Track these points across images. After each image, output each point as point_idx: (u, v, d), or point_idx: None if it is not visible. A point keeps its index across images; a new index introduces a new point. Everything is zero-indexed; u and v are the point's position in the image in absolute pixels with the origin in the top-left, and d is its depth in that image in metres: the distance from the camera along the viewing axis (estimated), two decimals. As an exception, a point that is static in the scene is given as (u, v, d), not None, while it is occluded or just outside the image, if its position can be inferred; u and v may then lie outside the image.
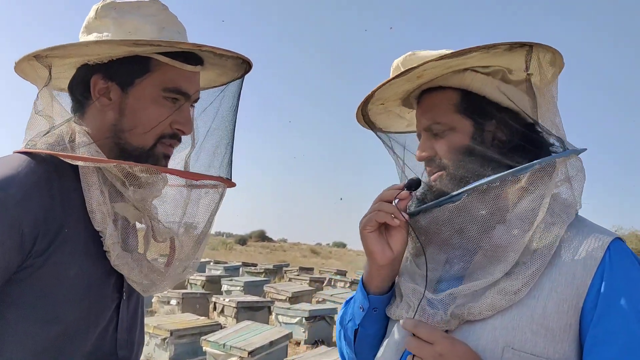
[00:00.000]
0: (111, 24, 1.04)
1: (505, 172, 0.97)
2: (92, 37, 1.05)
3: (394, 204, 1.09)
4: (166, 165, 1.09)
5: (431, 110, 1.10)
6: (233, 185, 1.16)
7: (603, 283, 0.92)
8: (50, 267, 0.94)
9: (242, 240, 46.62)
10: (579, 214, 1.04)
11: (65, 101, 1.11)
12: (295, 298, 9.46)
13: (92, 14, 1.07)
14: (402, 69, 1.06)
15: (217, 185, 1.14)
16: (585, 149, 1.03)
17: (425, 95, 1.13)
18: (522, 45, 1.01)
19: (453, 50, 1.00)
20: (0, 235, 0.89)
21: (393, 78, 1.04)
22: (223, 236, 51.79)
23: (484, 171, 1.01)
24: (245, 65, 1.16)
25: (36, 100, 1.06)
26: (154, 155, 1.05)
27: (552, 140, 1.03)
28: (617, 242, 0.97)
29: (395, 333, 1.09)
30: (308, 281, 13.42)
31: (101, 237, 1.01)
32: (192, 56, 1.07)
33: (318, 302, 9.94)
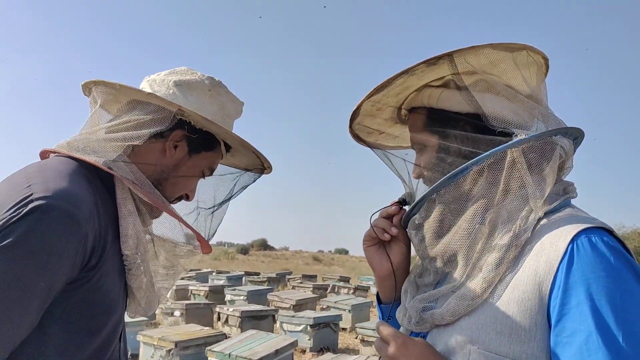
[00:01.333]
0: (216, 104, 1.22)
1: (439, 182, 1.01)
2: (192, 99, 1.18)
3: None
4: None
5: (411, 129, 1.18)
6: (209, 252, 1.30)
7: (563, 279, 0.87)
8: (96, 281, 0.99)
9: (244, 250, 46.50)
10: (572, 203, 1.02)
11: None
12: (299, 306, 9.43)
13: (205, 82, 1.21)
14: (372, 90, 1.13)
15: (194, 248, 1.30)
16: (532, 136, 0.97)
17: (410, 114, 1.20)
18: (441, 56, 1.02)
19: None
20: (72, 251, 0.91)
21: (366, 97, 1.13)
22: (225, 246, 51.76)
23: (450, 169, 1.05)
24: (262, 169, 1.36)
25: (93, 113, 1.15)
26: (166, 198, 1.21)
27: (513, 129, 1.00)
28: (587, 233, 0.89)
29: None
30: (311, 288, 13.38)
31: (124, 256, 1.08)
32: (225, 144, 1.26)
33: (322, 309, 9.91)
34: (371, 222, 1.20)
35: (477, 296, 0.94)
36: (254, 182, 1.38)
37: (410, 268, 1.22)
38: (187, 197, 1.25)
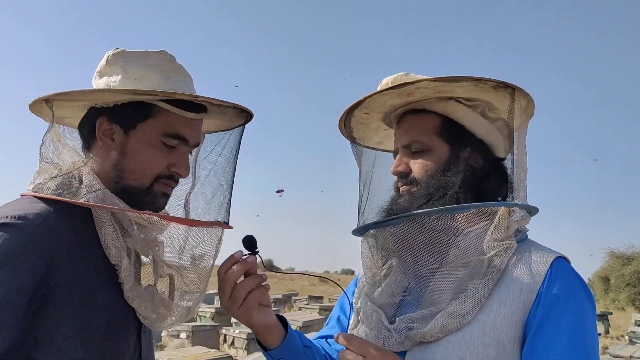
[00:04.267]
0: (120, 70, 1.12)
1: (445, 207, 1.06)
2: (103, 81, 1.14)
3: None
4: (165, 203, 1.17)
5: (413, 129, 1.18)
6: (230, 227, 1.23)
7: (542, 297, 1.00)
8: (78, 295, 0.99)
9: (250, 271, 46.23)
10: (529, 237, 1.14)
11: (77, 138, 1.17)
12: (306, 327, 9.35)
13: (103, 60, 1.15)
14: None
15: (215, 226, 1.21)
16: (532, 208, 1.11)
17: (408, 115, 1.21)
18: (506, 86, 1.09)
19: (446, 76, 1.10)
20: (30, 267, 0.93)
21: (387, 89, 1.12)
22: (231, 267, 51.40)
23: (450, 194, 1.08)
24: (245, 114, 1.22)
25: (41, 146, 1.11)
26: (152, 194, 1.12)
27: (513, 180, 1.10)
28: (560, 260, 1.06)
29: None
30: (318, 310, 13.26)
31: (116, 270, 1.06)
32: (193, 104, 1.13)
33: (329, 330, 9.81)
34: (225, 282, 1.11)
35: (467, 313, 1.01)
36: (242, 131, 1.26)
37: (359, 288, 1.23)
38: (178, 175, 1.15)
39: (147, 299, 1.10)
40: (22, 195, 1.08)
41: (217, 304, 13.68)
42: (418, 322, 1.04)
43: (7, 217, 0.95)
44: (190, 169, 1.21)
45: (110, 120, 1.11)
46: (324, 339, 1.36)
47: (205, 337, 8.54)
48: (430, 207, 1.07)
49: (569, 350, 0.96)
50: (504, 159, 1.19)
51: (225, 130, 1.29)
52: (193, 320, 10.81)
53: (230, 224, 1.23)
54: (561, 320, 0.98)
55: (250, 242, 1.13)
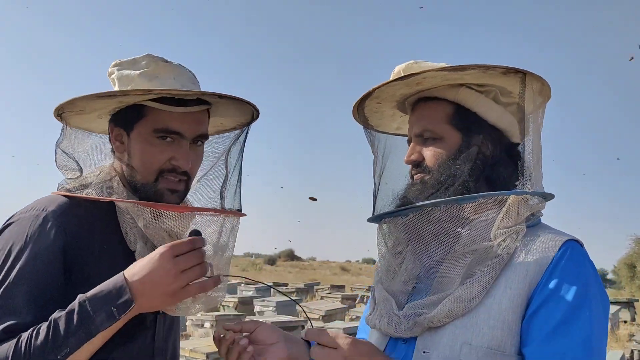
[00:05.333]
0: (116, 81, 1.21)
1: (453, 198, 1.06)
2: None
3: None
4: (177, 199, 1.22)
5: (424, 118, 1.17)
6: (243, 215, 1.30)
7: (546, 280, 1.00)
8: (94, 275, 1.08)
9: (271, 260, 46.69)
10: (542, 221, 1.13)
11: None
12: (328, 316, 9.40)
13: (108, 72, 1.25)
14: (403, 75, 1.14)
15: (233, 214, 1.28)
16: (547, 195, 1.10)
17: (420, 103, 1.20)
18: (516, 71, 1.08)
19: (453, 65, 1.09)
20: (51, 242, 1.08)
21: (393, 80, 1.13)
22: (252, 257, 51.98)
23: (461, 182, 1.09)
24: (250, 108, 1.26)
25: (58, 149, 1.24)
26: (158, 190, 1.19)
27: (527, 166, 1.08)
28: (570, 243, 1.04)
29: (374, 339, 1.18)
30: (340, 299, 13.33)
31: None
32: (185, 99, 1.19)
33: (352, 319, 9.86)
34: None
35: (474, 298, 1.01)
36: (244, 136, 1.33)
37: (377, 275, 1.24)
38: (178, 167, 1.18)
39: None
40: (52, 194, 1.21)
41: (240, 293, 13.84)
42: (426, 308, 1.05)
43: (32, 208, 1.14)
44: (221, 161, 1.32)
45: (117, 126, 1.22)
46: None
47: (228, 326, 8.62)
48: (439, 198, 1.08)
49: (559, 332, 0.96)
50: (519, 144, 1.16)
51: (239, 125, 1.37)
52: (217, 309, 10.95)
53: (243, 212, 1.30)
54: (559, 302, 0.97)
55: (196, 232, 1.11)
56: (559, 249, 1.02)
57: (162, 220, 1.16)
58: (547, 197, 1.12)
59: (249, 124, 1.34)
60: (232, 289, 15.11)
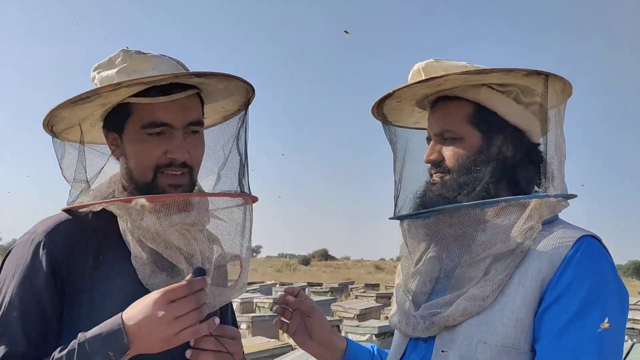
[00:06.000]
0: (98, 83, 1.16)
1: (474, 202, 1.07)
2: None
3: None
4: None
5: (444, 117, 1.17)
6: (256, 199, 1.23)
7: (559, 276, 0.99)
8: (91, 286, 1.08)
9: (306, 261, 46.83)
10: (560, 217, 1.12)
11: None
12: (363, 315, 9.38)
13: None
14: (423, 74, 1.16)
15: (242, 202, 1.22)
16: (569, 196, 1.10)
17: (440, 102, 1.20)
18: (538, 73, 1.08)
19: (474, 65, 1.11)
20: (39, 269, 1.06)
21: (416, 83, 1.12)
22: (286, 257, 52.27)
23: (481, 184, 1.09)
24: (246, 86, 1.18)
25: (62, 165, 1.21)
26: (158, 188, 1.13)
27: (549, 168, 1.08)
28: (586, 239, 1.02)
29: (396, 339, 1.20)
30: (375, 297, 13.26)
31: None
32: (169, 88, 1.12)
33: (386, 317, 9.75)
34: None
35: (488, 296, 1.01)
36: (243, 117, 1.27)
37: (398, 276, 1.26)
38: (174, 159, 1.13)
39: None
40: (61, 210, 1.19)
41: (275, 294, 13.93)
42: (441, 307, 1.06)
43: (27, 232, 1.13)
44: (231, 146, 1.25)
45: (109, 130, 1.19)
46: None
47: (264, 327, 8.71)
48: (460, 201, 1.09)
49: (571, 328, 0.95)
50: (540, 144, 1.16)
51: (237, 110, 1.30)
52: (252, 311, 11.06)
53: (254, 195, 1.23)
54: (572, 298, 0.97)
55: (200, 271, 1.05)
56: (573, 245, 1.01)
57: (156, 219, 1.08)
58: (570, 197, 1.11)
59: (248, 102, 1.26)
60: (267, 290, 15.23)
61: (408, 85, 1.14)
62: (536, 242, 1.04)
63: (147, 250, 1.11)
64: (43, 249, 1.07)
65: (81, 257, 1.10)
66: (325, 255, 51.66)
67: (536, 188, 1.12)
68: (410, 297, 1.16)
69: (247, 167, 1.26)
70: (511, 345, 0.99)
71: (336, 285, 17.37)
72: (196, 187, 1.21)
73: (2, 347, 1.01)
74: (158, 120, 1.12)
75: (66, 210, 1.17)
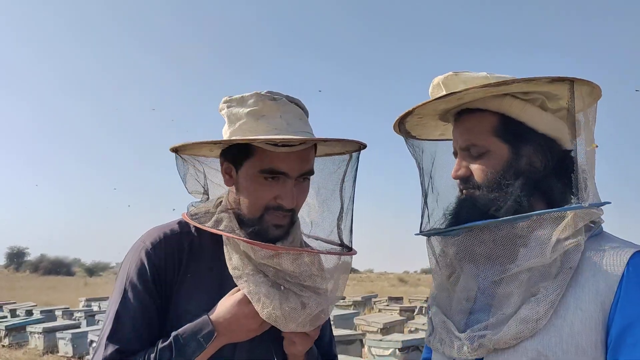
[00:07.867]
0: (225, 117, 1.27)
1: (506, 218, 1.03)
2: (225, 127, 1.29)
3: None
4: (282, 234, 1.26)
5: (469, 131, 1.13)
6: (354, 253, 1.34)
7: (621, 298, 0.95)
8: (178, 301, 1.25)
9: (329, 273, 46.48)
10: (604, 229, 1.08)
11: None
12: (386, 329, 9.27)
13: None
14: (443, 88, 1.12)
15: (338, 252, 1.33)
16: (603, 204, 1.07)
17: (464, 115, 1.16)
18: (562, 80, 1.03)
19: (494, 75, 1.07)
20: (145, 278, 1.23)
21: (434, 100, 1.09)
22: (309, 270, 51.89)
23: (513, 198, 1.06)
24: (360, 144, 1.28)
25: (185, 179, 1.36)
26: (263, 224, 1.24)
27: (581, 176, 1.04)
28: (638, 256, 0.99)
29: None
30: (398, 311, 13.15)
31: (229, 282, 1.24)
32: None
33: (410, 331, 9.68)
34: None
35: (540, 318, 0.97)
36: (355, 164, 1.34)
37: (432, 295, 1.22)
38: (282, 206, 1.23)
39: (277, 300, 1.20)
40: (182, 215, 1.34)
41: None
42: (490, 328, 1.02)
43: (138, 240, 1.31)
44: (335, 195, 1.35)
45: (226, 160, 1.29)
46: None
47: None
48: (491, 217, 1.05)
49: None
50: (571, 151, 1.10)
51: (340, 153, 1.38)
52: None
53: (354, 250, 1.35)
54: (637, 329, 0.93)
55: None
56: (627, 263, 0.97)
57: (271, 258, 1.21)
58: (603, 204, 1.07)
59: (356, 150, 1.35)
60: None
61: (426, 103, 1.11)
62: (587, 259, 1.00)
63: (257, 279, 1.21)
64: (148, 261, 1.24)
65: (174, 272, 1.26)
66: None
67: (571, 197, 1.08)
68: (449, 317, 1.12)
69: (352, 215, 1.36)
70: None
71: (359, 298, 17.24)
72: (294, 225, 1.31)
73: (119, 342, 1.19)
74: (276, 169, 1.21)
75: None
